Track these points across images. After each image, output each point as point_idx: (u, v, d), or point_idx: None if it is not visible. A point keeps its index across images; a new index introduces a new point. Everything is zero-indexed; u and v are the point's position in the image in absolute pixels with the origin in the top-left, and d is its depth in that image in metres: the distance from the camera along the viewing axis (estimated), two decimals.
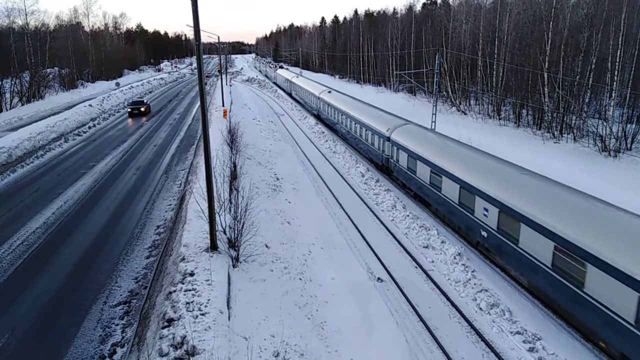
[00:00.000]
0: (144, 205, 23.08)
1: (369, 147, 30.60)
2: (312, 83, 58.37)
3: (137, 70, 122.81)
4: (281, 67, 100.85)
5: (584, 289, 11.95)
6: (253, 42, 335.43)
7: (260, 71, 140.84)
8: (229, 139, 30.36)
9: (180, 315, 11.66)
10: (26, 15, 63.25)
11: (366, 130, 30.88)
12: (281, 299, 14.29)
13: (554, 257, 13.08)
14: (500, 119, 46.16)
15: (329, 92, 45.85)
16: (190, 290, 12.83)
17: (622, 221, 12.20)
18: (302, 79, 65.10)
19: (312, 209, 23.23)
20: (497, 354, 12.41)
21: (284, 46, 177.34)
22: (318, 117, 48.90)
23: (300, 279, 16.02)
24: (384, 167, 28.09)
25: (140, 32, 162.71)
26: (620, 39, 32.65)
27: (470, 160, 19.25)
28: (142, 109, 53.65)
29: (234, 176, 24.28)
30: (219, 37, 64.77)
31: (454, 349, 12.63)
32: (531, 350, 12.48)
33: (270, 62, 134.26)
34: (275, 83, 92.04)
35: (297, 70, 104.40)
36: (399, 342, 12.84)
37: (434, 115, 37.45)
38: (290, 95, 70.53)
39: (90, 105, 51.75)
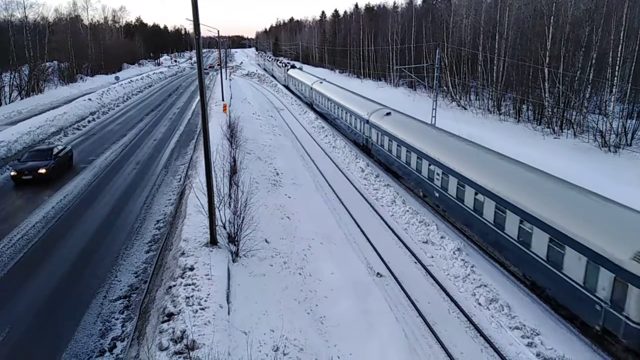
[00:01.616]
0: (143, 200, 23.07)
1: (555, 278, 13.27)
2: (352, 96, 38.92)
3: (136, 64, 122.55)
4: (293, 67, 74.92)
5: None
6: (253, 36, 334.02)
7: (265, 69, 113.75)
8: (229, 133, 30.33)
9: (180, 310, 11.70)
10: (25, 8, 63.17)
11: (522, 223, 14.58)
12: (281, 293, 14.33)
13: None
14: (500, 114, 46.08)
15: (388, 113, 29.07)
16: (190, 285, 12.86)
17: None
18: (330, 88, 45.87)
19: (312, 204, 23.25)
20: (495, 349, 12.45)
21: (284, 40, 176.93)
22: (366, 150, 32.20)
23: (300, 273, 16.06)
24: (601, 332, 11.99)
25: (140, 25, 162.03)
26: (621, 34, 32.50)
27: None
28: (43, 171, 24.87)
29: (233, 171, 24.25)
30: (218, 31, 64.73)
31: (453, 344, 12.68)
32: (530, 345, 12.53)
33: (277, 60, 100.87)
34: (286, 86, 74.59)
35: (300, 65, 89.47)
36: (398, 337, 12.89)
37: (434, 110, 37.42)
38: (310, 106, 53.68)
39: (90, 99, 51.59)
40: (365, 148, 32.41)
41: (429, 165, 21.48)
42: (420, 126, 25.83)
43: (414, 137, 23.97)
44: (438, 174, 20.53)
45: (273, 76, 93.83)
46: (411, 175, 24.02)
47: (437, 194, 20.99)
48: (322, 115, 47.28)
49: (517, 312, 13.87)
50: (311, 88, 51.92)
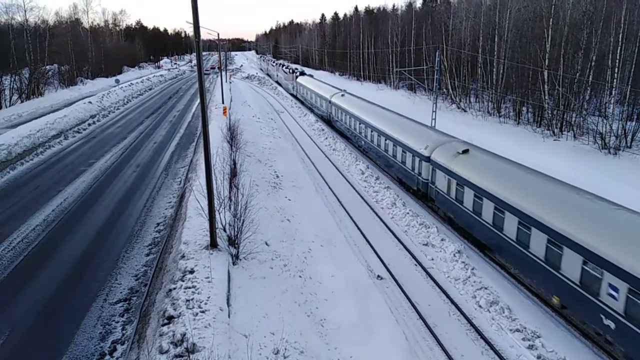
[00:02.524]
0: (143, 203, 23.07)
1: None
2: (395, 119, 28.90)
3: (136, 67, 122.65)
4: (303, 74, 64.74)
5: None
6: (253, 39, 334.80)
7: (268, 75, 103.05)
8: (229, 136, 30.34)
9: (180, 313, 11.69)
10: (25, 11, 63.05)
11: None
12: (281, 296, 14.31)
13: None
14: (500, 116, 46.14)
15: (465, 151, 19.70)
16: (190, 288, 12.85)
17: None
18: (359, 104, 36.06)
19: (312, 206, 23.24)
20: (496, 352, 12.43)
21: (284, 43, 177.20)
22: (422, 197, 23.16)
23: (300, 276, 16.04)
24: None
25: (140, 28, 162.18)
26: (620, 36, 32.59)
27: None
28: None
29: (233, 174, 24.26)
30: (218, 34, 64.82)
31: (454, 347, 12.66)
32: (530, 347, 12.51)
33: (283, 65, 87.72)
34: (293, 95, 65.90)
35: (313, 74, 72.32)
36: (398, 340, 12.88)
37: (434, 113, 37.44)
38: (328, 123, 44.01)
39: (90, 103, 51.60)
40: (422, 195, 22.96)
41: (586, 263, 12.00)
42: (537, 180, 15.70)
43: (530, 198, 14.66)
44: (616, 289, 11.05)
45: (278, 83, 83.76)
46: (525, 262, 14.67)
47: (612, 325, 11.27)
48: (344, 135, 38.42)
49: (518, 315, 13.85)
50: (330, 102, 42.51)
